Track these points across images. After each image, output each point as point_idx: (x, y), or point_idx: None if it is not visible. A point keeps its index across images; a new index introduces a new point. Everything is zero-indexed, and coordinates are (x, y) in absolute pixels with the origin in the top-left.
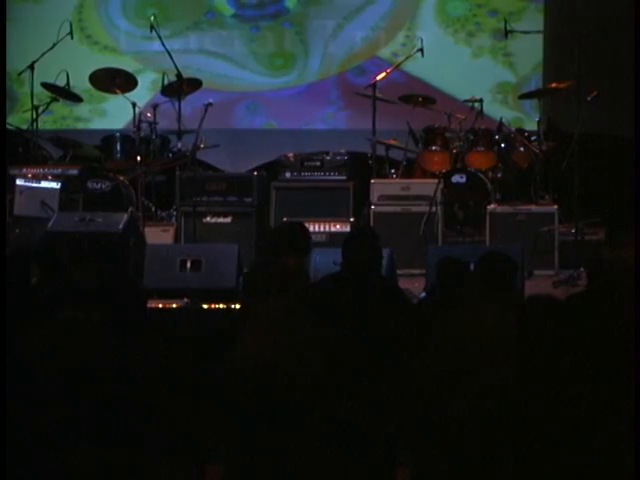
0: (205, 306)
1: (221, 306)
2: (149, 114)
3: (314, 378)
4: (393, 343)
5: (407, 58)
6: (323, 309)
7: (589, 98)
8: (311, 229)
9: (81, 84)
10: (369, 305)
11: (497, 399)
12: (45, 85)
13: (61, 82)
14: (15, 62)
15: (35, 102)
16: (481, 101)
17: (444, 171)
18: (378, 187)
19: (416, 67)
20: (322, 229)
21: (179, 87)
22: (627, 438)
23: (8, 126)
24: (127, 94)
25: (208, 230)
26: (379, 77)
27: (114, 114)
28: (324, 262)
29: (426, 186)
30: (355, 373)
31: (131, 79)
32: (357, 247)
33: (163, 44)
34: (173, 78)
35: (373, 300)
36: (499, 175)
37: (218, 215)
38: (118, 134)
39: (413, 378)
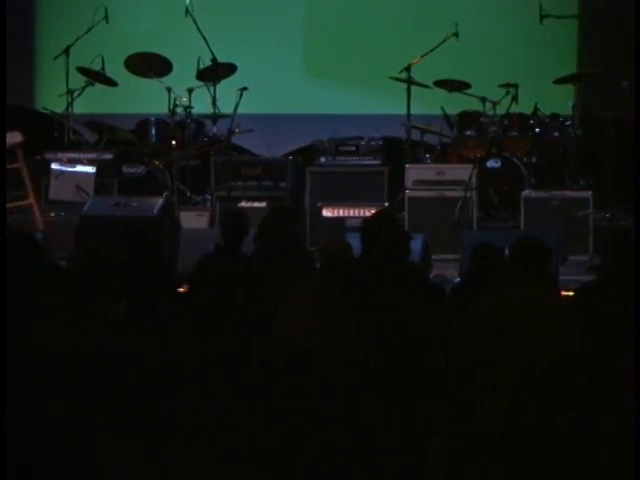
0: None
1: None
2: (184, 98)
3: (351, 364)
4: (425, 328)
5: (443, 42)
6: (359, 294)
7: (625, 83)
8: (346, 214)
9: (116, 68)
10: (396, 290)
11: (532, 383)
12: (80, 69)
13: (96, 66)
14: (50, 46)
15: (70, 86)
16: (516, 86)
17: (479, 156)
18: (413, 172)
19: (451, 51)
20: (357, 214)
21: (214, 71)
22: None
23: (43, 110)
24: (162, 78)
25: None
26: (414, 61)
27: (149, 98)
28: (358, 247)
29: (461, 171)
30: (391, 357)
31: (166, 63)
32: (377, 232)
33: (198, 28)
34: (208, 63)
35: (401, 285)
36: (534, 160)
37: (253, 200)
38: (153, 118)
39: (447, 362)
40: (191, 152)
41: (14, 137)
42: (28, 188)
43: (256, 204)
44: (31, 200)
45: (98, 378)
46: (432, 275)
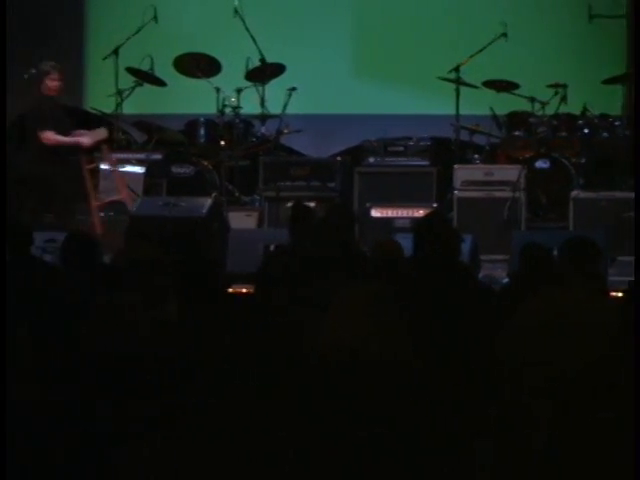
0: None
1: None
2: (233, 99)
3: (399, 364)
4: (474, 328)
5: (491, 42)
6: (408, 294)
7: None
8: (394, 214)
9: (165, 69)
10: (448, 290)
11: (581, 385)
12: (130, 69)
13: (145, 67)
14: (100, 46)
15: (119, 86)
16: (565, 86)
17: (527, 156)
18: (461, 172)
19: (499, 51)
20: (405, 214)
21: (263, 72)
22: None
23: (92, 110)
24: (211, 78)
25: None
26: (463, 61)
27: (198, 99)
28: (407, 247)
29: (509, 171)
30: (439, 357)
31: (215, 63)
32: (430, 231)
33: (247, 29)
34: (257, 63)
35: (451, 285)
36: (582, 160)
37: (301, 200)
38: (202, 119)
39: (495, 363)
40: (240, 152)
41: (100, 134)
42: (118, 184)
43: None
44: (124, 196)
45: (148, 379)
46: (481, 275)
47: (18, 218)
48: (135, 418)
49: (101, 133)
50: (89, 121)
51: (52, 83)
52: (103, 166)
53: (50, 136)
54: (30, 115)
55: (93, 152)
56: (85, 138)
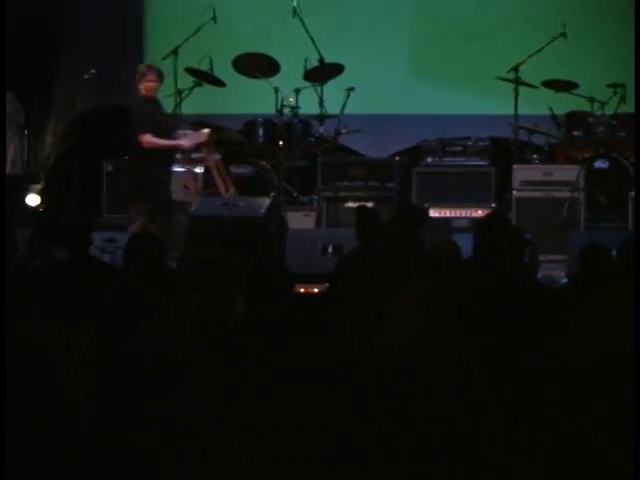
0: None
1: None
2: (291, 99)
3: (457, 365)
4: (533, 329)
5: (550, 42)
6: (467, 294)
7: None
8: (453, 215)
9: (224, 69)
10: (506, 290)
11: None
12: (189, 70)
13: (204, 67)
14: (159, 47)
15: (179, 87)
16: (624, 86)
17: (586, 156)
18: (520, 172)
19: (559, 51)
20: (464, 214)
21: (321, 72)
22: None
23: None
24: (269, 79)
25: (350, 215)
26: (521, 61)
27: (256, 99)
28: (465, 248)
29: (568, 172)
30: (498, 358)
31: (274, 64)
32: (493, 231)
33: (306, 29)
34: (315, 63)
35: (510, 285)
36: None
37: (359, 200)
38: (260, 119)
39: (555, 364)
40: (298, 152)
41: (200, 136)
42: (225, 182)
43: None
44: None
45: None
46: (539, 276)
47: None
48: (201, 418)
49: (201, 135)
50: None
51: (149, 84)
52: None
53: (148, 139)
54: (130, 118)
55: (192, 153)
56: (185, 140)
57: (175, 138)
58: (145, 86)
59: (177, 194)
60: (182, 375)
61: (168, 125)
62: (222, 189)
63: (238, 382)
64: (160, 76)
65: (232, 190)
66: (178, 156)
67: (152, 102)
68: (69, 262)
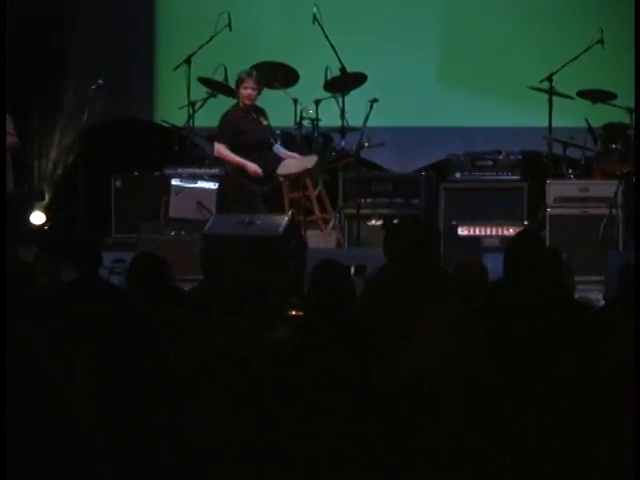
0: None
1: None
2: (311, 110)
3: (486, 393)
4: (569, 357)
5: (587, 49)
6: (495, 317)
7: None
8: (482, 233)
9: None
10: (540, 314)
11: None
12: (202, 80)
13: (219, 77)
14: (171, 56)
15: (191, 98)
16: None
17: (625, 171)
18: (554, 188)
19: (595, 59)
20: (494, 233)
21: (343, 82)
22: None
23: (163, 123)
24: (288, 89)
25: (373, 234)
26: (556, 70)
27: (274, 110)
28: (496, 268)
29: (606, 187)
30: (530, 382)
31: (292, 73)
32: (524, 250)
33: (327, 36)
34: (337, 72)
35: (545, 308)
36: None
37: (384, 218)
38: (278, 131)
39: (590, 389)
40: (319, 167)
41: (309, 161)
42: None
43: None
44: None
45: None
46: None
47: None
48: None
49: (308, 161)
50: (153, 135)
51: (244, 92)
52: (174, 182)
53: (219, 149)
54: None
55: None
56: (254, 166)
57: (278, 158)
58: (241, 94)
59: (190, 212)
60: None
61: (258, 138)
62: (320, 222)
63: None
64: (258, 84)
65: (332, 223)
66: (193, 170)
67: (247, 112)
68: (77, 283)
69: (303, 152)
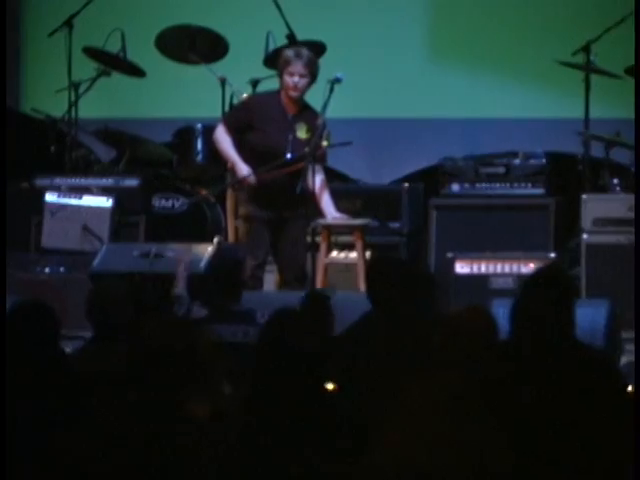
0: None
1: None
2: (245, 94)
3: None
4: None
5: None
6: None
7: None
8: (490, 270)
9: (143, 49)
10: (568, 387)
11: None
12: (89, 51)
13: (113, 47)
14: (41, 17)
15: (74, 77)
16: None
17: None
18: (593, 206)
19: None
20: (507, 270)
21: None
22: None
23: (34, 113)
24: (212, 64)
25: (335, 271)
26: (595, 37)
27: (193, 95)
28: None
29: None
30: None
31: (218, 42)
32: (538, 299)
33: None
34: (282, 41)
35: (575, 379)
36: None
37: (349, 249)
38: (199, 125)
39: None
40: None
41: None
42: None
43: (352, 255)
44: None
45: None
46: (623, 362)
47: None
48: None
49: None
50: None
51: (290, 79)
52: (49, 198)
53: (220, 132)
54: None
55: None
56: (246, 170)
57: (317, 197)
58: (284, 81)
59: (71, 240)
60: None
61: (273, 151)
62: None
63: None
64: (311, 68)
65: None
66: (77, 181)
67: (279, 105)
68: None
69: None
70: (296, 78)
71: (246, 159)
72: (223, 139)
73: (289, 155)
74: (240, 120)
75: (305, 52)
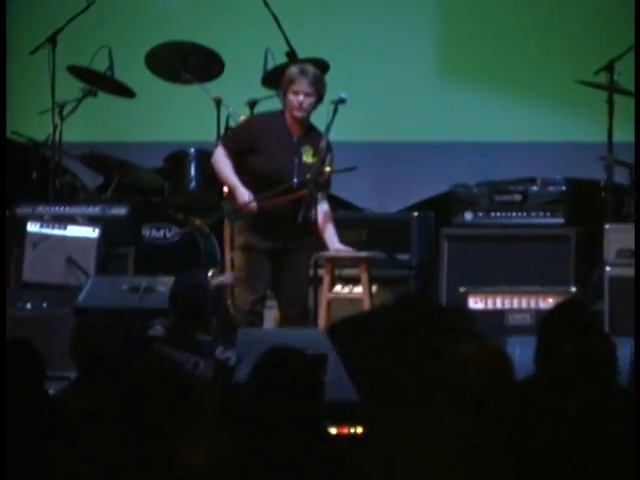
0: None
1: None
2: (243, 116)
3: None
4: None
5: None
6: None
7: None
8: (507, 306)
9: (132, 68)
10: (592, 431)
11: None
12: (74, 70)
13: (100, 65)
14: (26, 32)
15: (58, 98)
16: None
17: None
18: (617, 236)
19: None
20: (524, 305)
21: None
22: None
23: (14, 136)
24: (206, 84)
25: (340, 306)
26: (619, 54)
27: (186, 117)
28: (527, 359)
29: None
30: None
31: (213, 60)
32: (564, 333)
33: (267, 4)
34: (282, 59)
35: (599, 421)
36: None
37: (353, 282)
38: (193, 150)
39: None
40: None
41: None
42: None
43: (356, 290)
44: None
45: None
46: None
47: None
48: None
49: (360, 259)
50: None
51: (294, 98)
52: (32, 228)
53: (218, 154)
54: None
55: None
56: (247, 195)
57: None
58: (288, 100)
59: (55, 274)
60: None
61: (275, 176)
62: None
63: None
64: (317, 86)
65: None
66: (61, 210)
67: (284, 126)
68: None
69: None
70: (301, 97)
71: (246, 184)
72: (222, 162)
73: (295, 180)
74: (241, 142)
75: (311, 69)
